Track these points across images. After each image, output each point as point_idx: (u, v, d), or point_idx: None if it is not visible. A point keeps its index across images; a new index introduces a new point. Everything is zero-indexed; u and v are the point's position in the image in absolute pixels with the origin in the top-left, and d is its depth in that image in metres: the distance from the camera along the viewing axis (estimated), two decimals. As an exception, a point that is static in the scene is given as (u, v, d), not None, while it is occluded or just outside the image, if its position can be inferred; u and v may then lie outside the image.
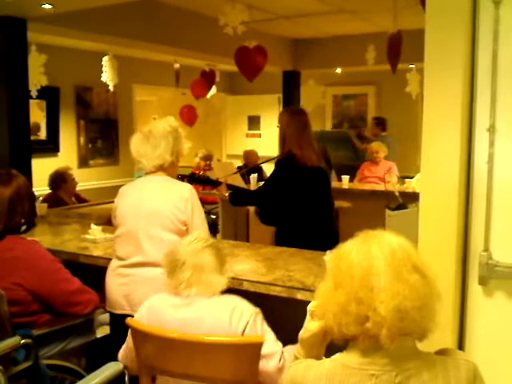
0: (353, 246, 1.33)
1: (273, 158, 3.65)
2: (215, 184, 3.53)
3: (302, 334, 1.50)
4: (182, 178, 3.51)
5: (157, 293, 2.41)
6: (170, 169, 2.60)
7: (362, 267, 1.27)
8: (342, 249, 1.34)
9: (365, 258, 1.28)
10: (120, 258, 2.55)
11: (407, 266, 1.27)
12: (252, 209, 4.55)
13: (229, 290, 2.07)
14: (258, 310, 1.96)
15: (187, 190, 2.53)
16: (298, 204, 3.36)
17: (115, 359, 2.02)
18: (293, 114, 3.52)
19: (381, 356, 1.27)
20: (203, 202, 7.08)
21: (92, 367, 2.01)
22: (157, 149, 2.53)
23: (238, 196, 3.58)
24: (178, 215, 2.48)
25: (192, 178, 3.55)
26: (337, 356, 1.33)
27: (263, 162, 5.52)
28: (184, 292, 1.95)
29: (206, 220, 2.61)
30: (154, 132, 2.56)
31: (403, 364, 1.27)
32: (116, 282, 2.54)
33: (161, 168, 2.57)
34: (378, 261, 1.26)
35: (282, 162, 3.44)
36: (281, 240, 3.40)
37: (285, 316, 2.28)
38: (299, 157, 3.32)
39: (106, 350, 2.62)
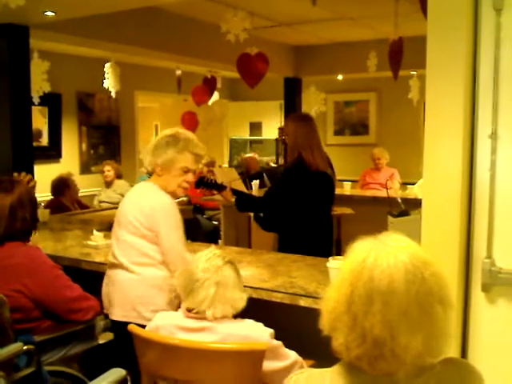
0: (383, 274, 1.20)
1: (278, 166, 3.61)
2: (220, 188, 3.49)
3: None
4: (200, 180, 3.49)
5: (124, 296, 2.46)
6: (160, 178, 2.54)
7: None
8: (368, 275, 1.21)
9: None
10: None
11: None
12: (253, 214, 4.52)
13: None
14: (271, 331, 1.91)
15: (160, 202, 2.47)
16: (306, 210, 3.33)
17: (118, 365, 2.01)
18: (300, 120, 3.49)
19: (386, 374, 1.21)
20: (205, 208, 7.00)
21: (94, 373, 2.00)
22: (148, 155, 2.54)
23: (245, 202, 3.55)
24: (141, 221, 2.45)
25: (201, 182, 3.52)
26: (338, 367, 1.27)
27: (265, 170, 5.48)
28: (208, 312, 1.89)
29: (179, 231, 2.49)
30: (154, 140, 2.60)
31: (410, 381, 1.21)
32: (104, 284, 2.62)
33: (155, 175, 2.56)
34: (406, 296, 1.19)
35: (292, 168, 3.40)
36: (285, 247, 3.36)
37: (287, 322, 2.28)
38: (310, 162, 3.29)
39: (108, 356, 2.62)
